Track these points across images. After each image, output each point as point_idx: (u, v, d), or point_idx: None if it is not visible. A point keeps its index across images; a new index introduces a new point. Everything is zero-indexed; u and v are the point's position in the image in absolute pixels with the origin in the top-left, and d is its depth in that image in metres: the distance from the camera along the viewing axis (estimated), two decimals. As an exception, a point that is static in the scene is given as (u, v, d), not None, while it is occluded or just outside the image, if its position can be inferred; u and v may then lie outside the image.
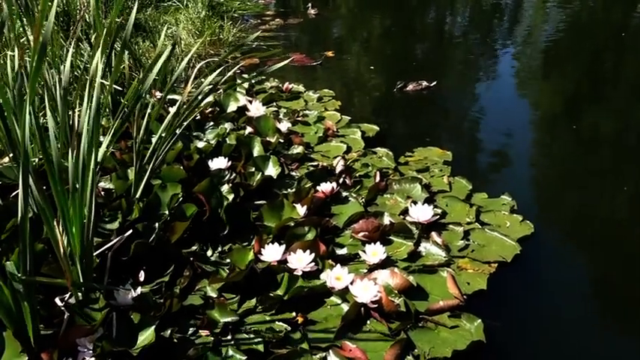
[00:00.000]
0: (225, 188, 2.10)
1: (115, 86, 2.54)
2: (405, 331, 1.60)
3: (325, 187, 2.23)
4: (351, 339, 1.57)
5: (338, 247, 1.97)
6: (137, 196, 1.97)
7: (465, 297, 1.74)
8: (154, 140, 1.99)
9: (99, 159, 1.58)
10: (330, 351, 1.51)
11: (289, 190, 2.27)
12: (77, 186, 1.47)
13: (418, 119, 3.44)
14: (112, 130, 1.83)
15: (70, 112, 1.79)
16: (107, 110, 2.56)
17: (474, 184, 2.43)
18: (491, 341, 1.58)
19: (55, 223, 1.44)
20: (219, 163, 2.31)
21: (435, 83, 3.73)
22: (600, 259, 2.05)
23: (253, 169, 2.34)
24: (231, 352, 1.49)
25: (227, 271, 1.80)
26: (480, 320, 1.62)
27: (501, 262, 1.93)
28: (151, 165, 1.99)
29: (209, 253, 1.91)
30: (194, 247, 1.91)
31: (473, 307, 1.70)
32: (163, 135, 1.97)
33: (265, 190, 2.25)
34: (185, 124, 2.05)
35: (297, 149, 2.64)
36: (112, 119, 2.23)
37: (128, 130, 2.17)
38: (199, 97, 2.01)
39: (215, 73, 2.05)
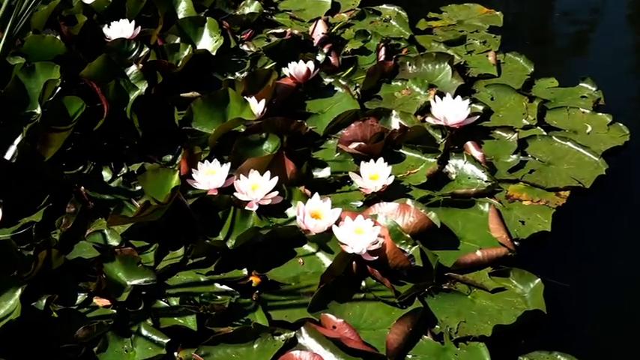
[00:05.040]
0: (132, 71, 2.07)
1: None
2: (421, 298, 1.61)
3: (296, 68, 2.21)
4: (336, 310, 1.57)
5: (316, 166, 1.98)
6: (-15, 84, 1.94)
7: (516, 244, 1.75)
8: (8, -10, 1.92)
9: None
10: (303, 328, 1.51)
11: (237, 74, 2.27)
12: None
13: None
14: None
15: None
16: None
17: (537, 64, 2.42)
18: (555, 312, 1.59)
19: None
20: (120, 29, 2.27)
21: None
22: None
23: (178, 40, 2.32)
24: (144, 332, 1.50)
25: (137, 205, 1.79)
26: (539, 280, 1.64)
27: (576, 189, 1.94)
28: (5, 33, 1.92)
29: (107, 176, 1.91)
30: (82, 168, 1.91)
31: (529, 261, 1.71)
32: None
33: (199, 75, 2.26)
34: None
35: (251, 7, 2.62)
36: None
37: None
38: None
39: None
